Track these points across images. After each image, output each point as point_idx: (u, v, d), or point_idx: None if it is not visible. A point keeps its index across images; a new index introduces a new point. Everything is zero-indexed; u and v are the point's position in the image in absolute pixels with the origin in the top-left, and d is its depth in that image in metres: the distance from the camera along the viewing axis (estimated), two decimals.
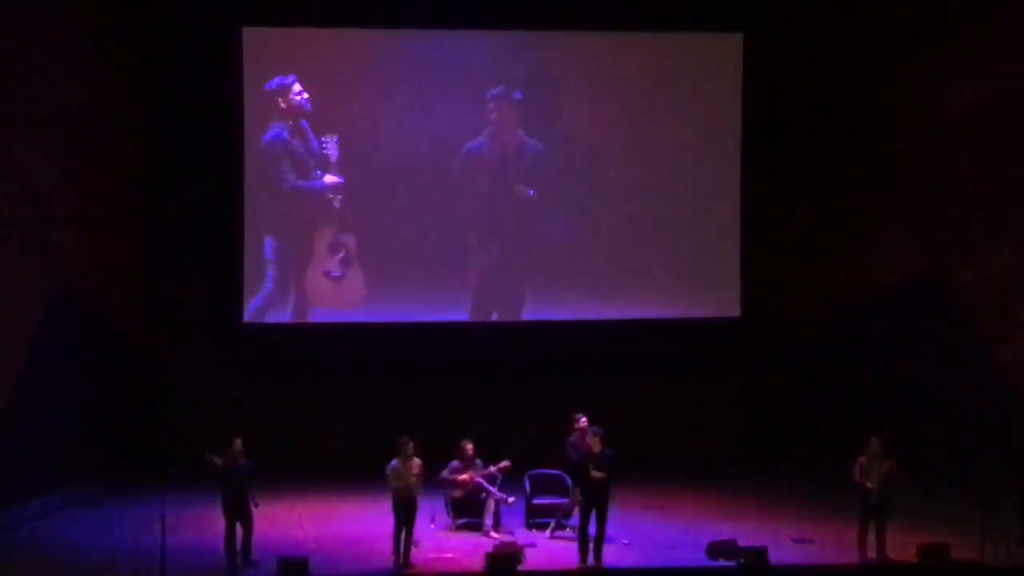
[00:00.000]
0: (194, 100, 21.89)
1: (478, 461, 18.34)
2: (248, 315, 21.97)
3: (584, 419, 17.99)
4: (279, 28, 22.04)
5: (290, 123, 21.89)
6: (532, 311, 22.59)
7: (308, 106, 21.88)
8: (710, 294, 22.97)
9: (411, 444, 16.75)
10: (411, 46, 22.31)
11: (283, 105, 21.86)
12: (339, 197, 22.04)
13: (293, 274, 22.12)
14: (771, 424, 23.14)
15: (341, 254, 22.11)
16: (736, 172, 22.83)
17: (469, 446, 18.38)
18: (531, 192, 22.43)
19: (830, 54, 22.59)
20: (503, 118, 22.31)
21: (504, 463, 18.23)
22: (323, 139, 21.94)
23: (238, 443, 16.63)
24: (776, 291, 23.20)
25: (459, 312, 22.54)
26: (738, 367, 23.39)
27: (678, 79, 22.72)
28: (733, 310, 22.96)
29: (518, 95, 22.26)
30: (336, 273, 22.12)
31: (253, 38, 21.81)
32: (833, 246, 22.69)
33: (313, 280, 22.16)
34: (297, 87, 21.85)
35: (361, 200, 22.14)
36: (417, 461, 16.74)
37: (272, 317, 22.08)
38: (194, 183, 21.98)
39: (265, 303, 22.07)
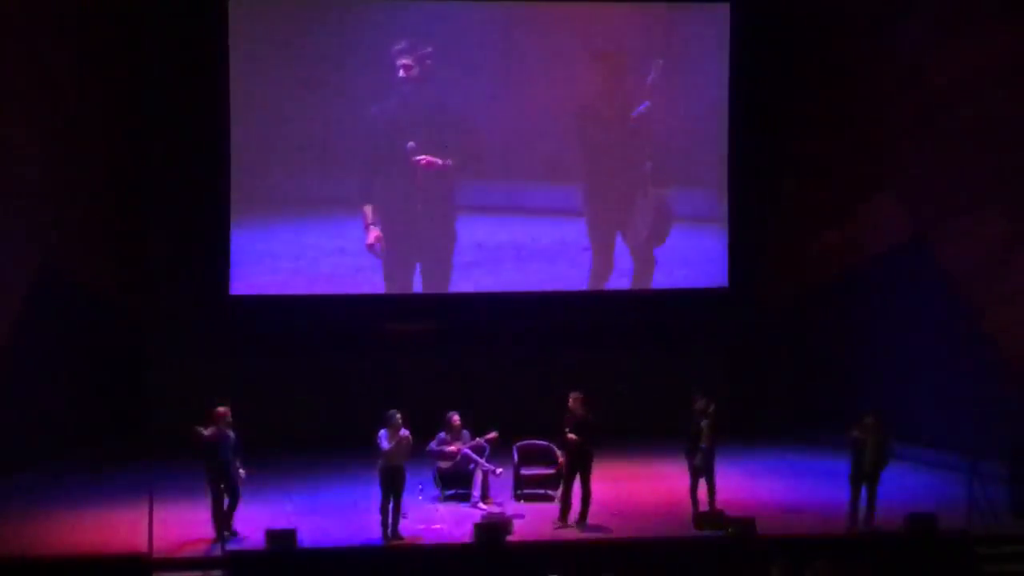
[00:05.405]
0: (179, 68, 21.68)
1: (465, 432, 18.38)
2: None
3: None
4: None
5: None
6: (516, 282, 22.53)
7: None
8: (697, 265, 22.94)
9: (398, 416, 16.75)
10: (399, 14, 22.11)
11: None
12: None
13: None
14: (758, 394, 23.16)
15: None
16: (723, 143, 22.75)
17: (456, 417, 18.40)
18: (448, 161, 22.10)
19: (816, 24, 22.50)
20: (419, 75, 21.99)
21: (491, 434, 18.27)
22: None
23: (226, 411, 16.48)
24: (763, 261, 23.19)
25: (443, 283, 22.46)
26: (725, 337, 23.39)
27: (664, 49, 22.61)
28: (720, 280, 22.95)
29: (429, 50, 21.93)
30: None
31: (239, 4, 21.58)
32: (820, 216, 22.66)
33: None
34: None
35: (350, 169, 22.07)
36: (405, 432, 16.73)
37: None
38: (181, 152, 21.82)
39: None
